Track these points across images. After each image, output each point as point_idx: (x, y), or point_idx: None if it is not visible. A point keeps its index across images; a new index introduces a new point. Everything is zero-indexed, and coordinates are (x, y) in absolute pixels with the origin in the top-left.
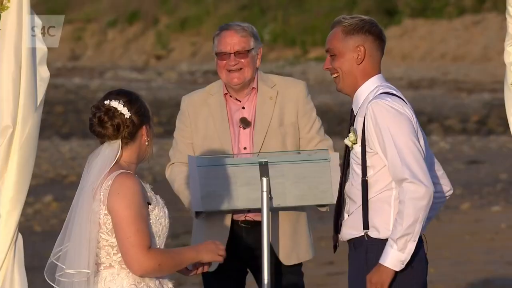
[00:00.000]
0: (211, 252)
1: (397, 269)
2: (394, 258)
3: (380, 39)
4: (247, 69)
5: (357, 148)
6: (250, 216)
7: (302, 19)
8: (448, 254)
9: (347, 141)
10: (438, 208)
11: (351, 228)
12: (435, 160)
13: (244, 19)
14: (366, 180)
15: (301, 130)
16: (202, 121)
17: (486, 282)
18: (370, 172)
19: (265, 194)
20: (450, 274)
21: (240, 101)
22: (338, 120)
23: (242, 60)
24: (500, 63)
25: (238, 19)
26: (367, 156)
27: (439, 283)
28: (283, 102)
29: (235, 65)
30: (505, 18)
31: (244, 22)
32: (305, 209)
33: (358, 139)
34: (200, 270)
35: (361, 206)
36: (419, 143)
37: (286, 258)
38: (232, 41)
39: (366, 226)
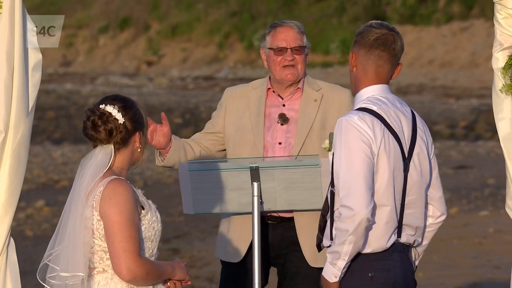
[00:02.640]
0: (183, 270)
1: (331, 280)
2: (328, 270)
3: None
4: (301, 66)
5: (330, 157)
6: (276, 213)
7: None
8: (436, 258)
9: (323, 146)
10: (430, 236)
11: (325, 237)
12: (434, 182)
13: (234, 25)
14: (333, 191)
15: None
16: (238, 112)
17: (474, 286)
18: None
19: (256, 198)
20: (438, 278)
21: (282, 98)
22: None
23: (297, 57)
24: (487, 69)
25: (228, 26)
26: (334, 167)
27: (427, 287)
28: (327, 106)
29: (291, 60)
30: (493, 25)
31: (301, 24)
32: None
33: (332, 148)
34: (172, 286)
35: (329, 216)
36: (369, 169)
37: (313, 260)
38: (289, 36)
39: (331, 237)
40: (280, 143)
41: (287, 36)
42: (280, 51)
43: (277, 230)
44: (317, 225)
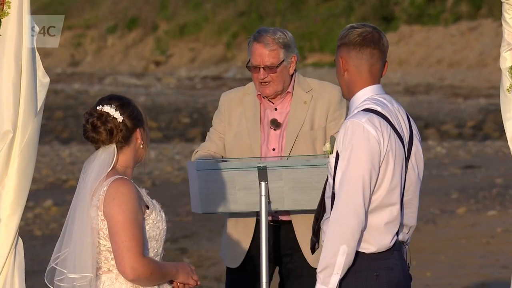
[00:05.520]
0: (187, 274)
1: None
2: None
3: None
4: (276, 82)
5: (331, 159)
6: (277, 216)
7: (300, 25)
8: (444, 258)
9: (324, 148)
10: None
11: (323, 240)
12: (415, 189)
13: (242, 25)
14: (335, 193)
15: (327, 133)
16: (235, 118)
17: (482, 286)
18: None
19: (263, 198)
20: (446, 278)
21: (273, 103)
22: None
23: (272, 75)
24: (495, 68)
25: (236, 26)
26: (337, 170)
27: (435, 287)
28: (316, 106)
29: (264, 78)
30: (501, 24)
31: (283, 34)
32: None
33: (334, 151)
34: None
35: (329, 217)
36: (374, 175)
37: (314, 260)
38: (261, 56)
39: None
40: (274, 149)
41: (260, 54)
42: (255, 68)
43: (278, 232)
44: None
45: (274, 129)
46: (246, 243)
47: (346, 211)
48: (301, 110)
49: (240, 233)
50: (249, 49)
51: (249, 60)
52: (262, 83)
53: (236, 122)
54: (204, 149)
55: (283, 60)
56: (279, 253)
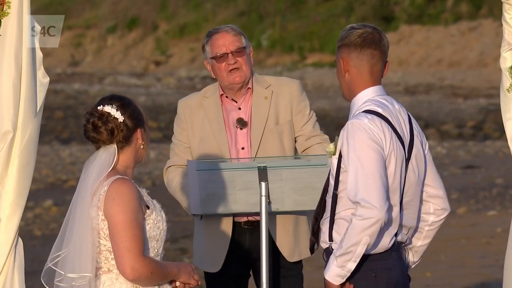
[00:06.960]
0: (188, 273)
1: (336, 283)
2: (334, 272)
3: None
4: (245, 67)
5: (334, 160)
6: (252, 217)
7: (300, 25)
8: (444, 258)
9: (327, 149)
10: (432, 234)
11: (322, 240)
12: (435, 180)
13: (242, 25)
14: (337, 195)
15: (296, 126)
16: (198, 123)
17: (482, 286)
18: (340, 187)
19: (263, 198)
20: (446, 278)
21: (236, 102)
22: (335, 126)
23: (239, 59)
24: (495, 68)
25: (236, 25)
26: (340, 171)
27: (435, 287)
28: (278, 101)
29: (234, 63)
30: (501, 24)
31: (236, 26)
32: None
33: (337, 152)
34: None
35: (329, 218)
36: (384, 169)
37: (290, 255)
38: (226, 41)
39: (330, 238)
40: (243, 148)
41: (224, 41)
42: (222, 57)
43: (254, 234)
44: (290, 224)
45: (240, 128)
46: (225, 247)
47: (370, 204)
48: (264, 105)
49: (217, 236)
50: (209, 45)
51: (211, 58)
52: (232, 71)
53: (198, 127)
54: (175, 165)
55: (245, 46)
56: (256, 256)
